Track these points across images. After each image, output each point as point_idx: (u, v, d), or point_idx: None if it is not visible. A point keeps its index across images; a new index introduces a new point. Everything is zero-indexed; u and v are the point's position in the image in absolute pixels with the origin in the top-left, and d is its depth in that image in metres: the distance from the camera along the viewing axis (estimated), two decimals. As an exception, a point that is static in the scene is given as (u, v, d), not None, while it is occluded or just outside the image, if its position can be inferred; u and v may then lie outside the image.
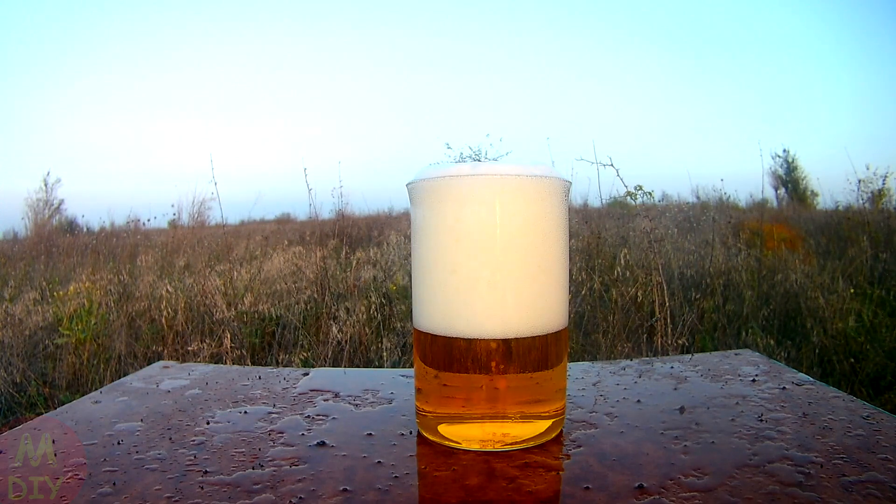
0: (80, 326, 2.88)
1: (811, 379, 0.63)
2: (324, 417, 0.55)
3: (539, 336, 0.48)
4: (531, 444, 0.48)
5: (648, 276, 3.02)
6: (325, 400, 0.60)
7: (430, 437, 0.49)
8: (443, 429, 0.49)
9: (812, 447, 0.46)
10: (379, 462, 0.45)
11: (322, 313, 3.25)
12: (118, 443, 0.49)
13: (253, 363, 2.90)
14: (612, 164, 3.01)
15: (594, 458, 0.45)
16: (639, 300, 3.04)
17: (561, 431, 0.50)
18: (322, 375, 0.70)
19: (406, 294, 3.52)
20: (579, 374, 0.67)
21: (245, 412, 0.57)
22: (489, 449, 0.47)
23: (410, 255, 0.51)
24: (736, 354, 0.74)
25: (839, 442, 0.47)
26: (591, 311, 3.06)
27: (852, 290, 3.22)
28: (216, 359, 2.84)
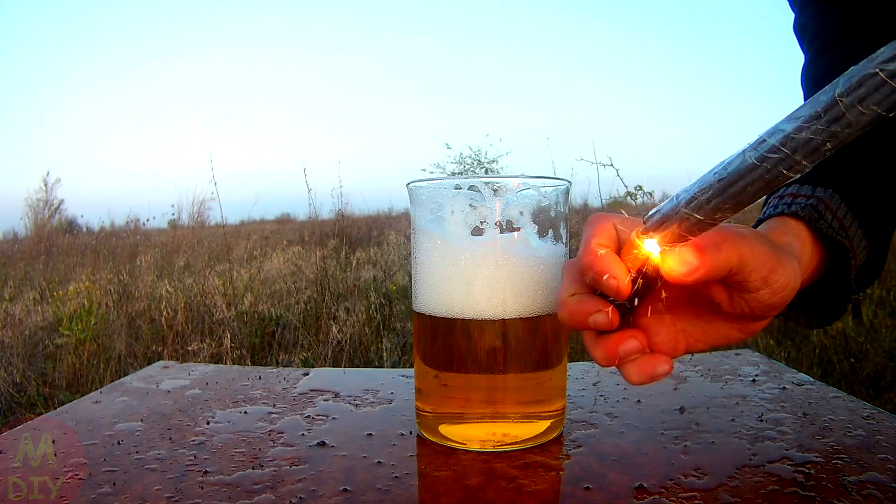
0: (80, 326, 2.88)
1: (811, 379, 0.63)
2: (324, 417, 0.55)
3: (540, 329, 0.48)
4: (531, 444, 0.48)
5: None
6: (325, 400, 0.60)
7: (430, 438, 0.49)
8: (443, 429, 0.49)
9: (812, 447, 0.46)
10: (379, 462, 0.45)
11: (322, 313, 3.25)
12: (118, 443, 0.49)
13: (253, 363, 2.90)
14: (612, 164, 3.01)
15: (594, 458, 0.45)
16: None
17: (561, 431, 0.50)
18: (322, 375, 0.70)
19: (406, 294, 3.51)
20: (579, 374, 0.67)
21: (245, 412, 0.57)
22: (489, 449, 0.47)
23: (411, 253, 0.51)
24: (736, 354, 0.74)
25: (839, 442, 0.47)
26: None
27: (852, 290, 3.20)
28: (216, 359, 2.84)
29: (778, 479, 0.41)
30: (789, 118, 0.27)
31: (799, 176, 0.27)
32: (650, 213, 0.34)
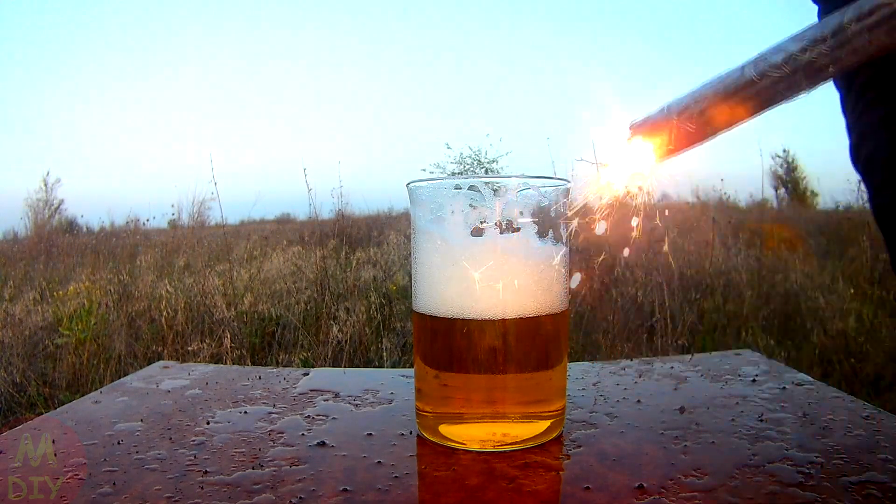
0: (80, 326, 2.87)
1: (811, 379, 0.63)
2: (324, 417, 0.55)
3: (540, 329, 0.48)
4: (531, 444, 0.48)
5: (649, 276, 3.01)
6: (325, 400, 0.60)
7: (430, 438, 0.49)
8: (443, 429, 0.49)
9: (812, 447, 0.46)
10: (379, 462, 0.45)
11: (322, 313, 3.25)
12: (118, 443, 0.49)
13: (253, 363, 2.90)
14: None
15: (594, 458, 0.45)
16: (639, 300, 3.04)
17: (561, 431, 0.50)
18: (322, 375, 0.69)
19: (406, 294, 3.51)
20: (579, 374, 0.67)
21: (245, 412, 0.57)
22: (489, 449, 0.47)
23: (411, 253, 0.51)
24: (736, 354, 0.74)
25: (839, 442, 0.47)
26: (591, 312, 3.06)
27: (852, 290, 3.22)
28: (216, 359, 2.84)
29: (778, 479, 0.41)
30: (793, 38, 0.26)
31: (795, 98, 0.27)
32: (638, 119, 0.32)
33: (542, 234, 0.48)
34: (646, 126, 0.31)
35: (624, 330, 2.89)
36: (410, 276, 0.52)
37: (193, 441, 0.50)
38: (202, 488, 0.41)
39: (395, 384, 0.65)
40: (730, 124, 0.29)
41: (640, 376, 0.66)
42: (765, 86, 0.27)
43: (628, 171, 0.33)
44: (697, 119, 0.29)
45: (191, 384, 0.66)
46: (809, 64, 0.25)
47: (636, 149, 0.32)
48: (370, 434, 0.51)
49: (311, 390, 0.63)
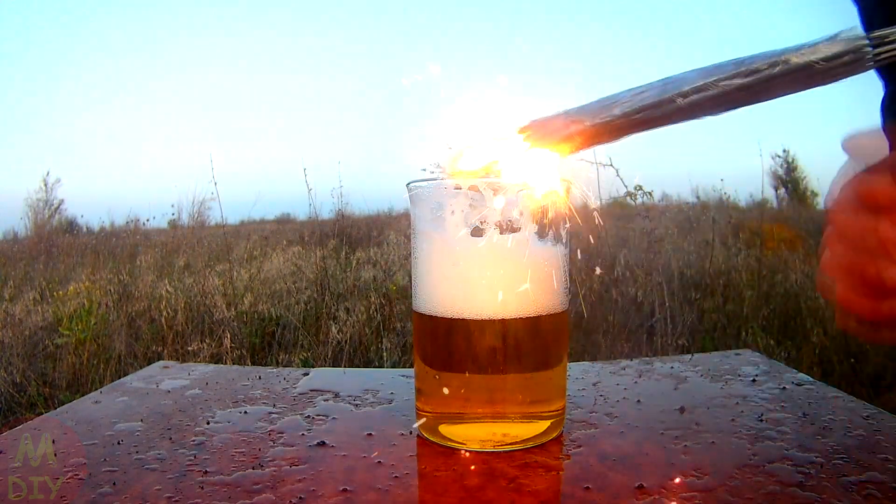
0: (80, 326, 2.87)
1: (811, 379, 0.63)
2: (324, 417, 0.55)
3: (540, 329, 0.48)
4: (531, 444, 0.48)
5: (648, 277, 3.02)
6: (325, 400, 0.60)
7: (431, 438, 0.49)
8: (443, 429, 0.49)
9: (812, 447, 0.46)
10: (379, 462, 0.45)
11: (322, 313, 3.25)
12: (118, 443, 0.49)
13: (253, 363, 2.90)
14: (611, 164, 3.01)
15: (594, 458, 0.45)
16: (639, 300, 3.04)
17: (561, 431, 0.50)
18: (322, 375, 0.70)
19: (406, 294, 3.51)
20: (579, 374, 0.67)
21: (245, 412, 0.57)
22: (489, 449, 0.47)
23: (411, 253, 0.51)
24: (736, 354, 0.74)
25: (839, 442, 0.47)
26: (591, 311, 3.06)
27: (852, 290, 3.20)
28: (216, 359, 2.84)
29: (778, 479, 0.41)
30: (712, 72, 0.30)
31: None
32: (531, 121, 0.32)
33: (541, 234, 0.48)
34: (540, 129, 0.31)
35: (624, 330, 2.89)
36: (410, 276, 0.52)
37: (193, 441, 0.50)
38: (202, 488, 0.41)
39: (395, 384, 0.65)
40: (638, 132, 0.30)
41: (640, 376, 0.66)
42: (685, 105, 0.28)
43: (525, 175, 0.33)
44: (607, 127, 0.30)
45: (191, 384, 0.66)
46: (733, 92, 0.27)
47: (532, 155, 0.32)
48: (370, 434, 0.51)
49: (311, 390, 0.63)
